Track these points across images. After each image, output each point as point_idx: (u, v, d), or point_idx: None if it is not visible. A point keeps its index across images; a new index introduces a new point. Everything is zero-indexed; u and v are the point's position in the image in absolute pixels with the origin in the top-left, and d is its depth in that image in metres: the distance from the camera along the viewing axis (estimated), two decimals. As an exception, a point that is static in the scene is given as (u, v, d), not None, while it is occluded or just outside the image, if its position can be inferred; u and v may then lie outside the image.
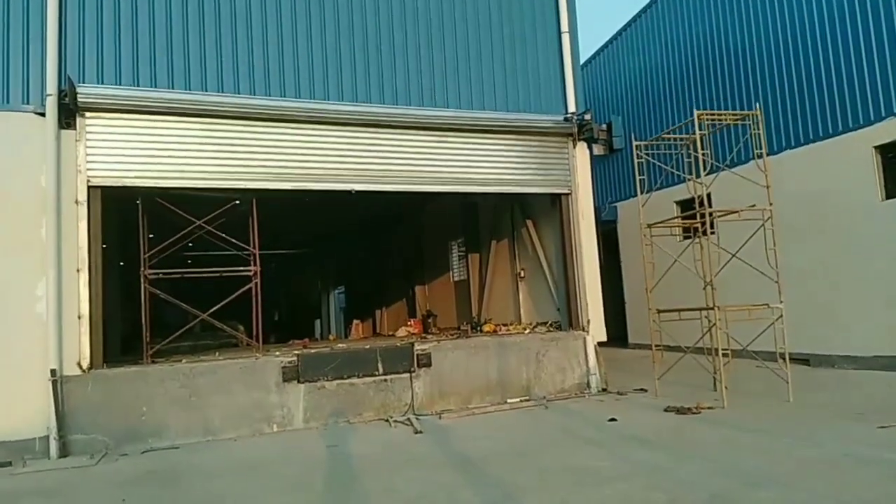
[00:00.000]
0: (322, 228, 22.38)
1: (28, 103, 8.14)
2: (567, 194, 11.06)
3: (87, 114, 8.31)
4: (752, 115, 9.56)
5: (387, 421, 8.93)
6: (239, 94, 9.11)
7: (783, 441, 6.64)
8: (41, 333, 7.79)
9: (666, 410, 8.60)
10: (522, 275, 13.38)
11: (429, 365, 9.62)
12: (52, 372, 7.72)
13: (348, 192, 9.72)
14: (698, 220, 9.59)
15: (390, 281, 20.67)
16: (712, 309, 9.09)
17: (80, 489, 6.38)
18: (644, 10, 17.71)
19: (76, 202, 8.15)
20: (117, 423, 7.99)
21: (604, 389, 10.60)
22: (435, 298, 17.89)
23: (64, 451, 7.65)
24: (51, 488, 6.45)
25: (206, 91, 8.95)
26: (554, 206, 11.33)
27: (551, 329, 11.44)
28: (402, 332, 14.11)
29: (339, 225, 22.00)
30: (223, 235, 9.73)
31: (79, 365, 7.95)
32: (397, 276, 20.02)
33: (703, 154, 9.28)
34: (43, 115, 8.07)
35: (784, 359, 8.85)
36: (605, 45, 19.89)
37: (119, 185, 8.49)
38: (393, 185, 9.94)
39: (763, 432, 7.08)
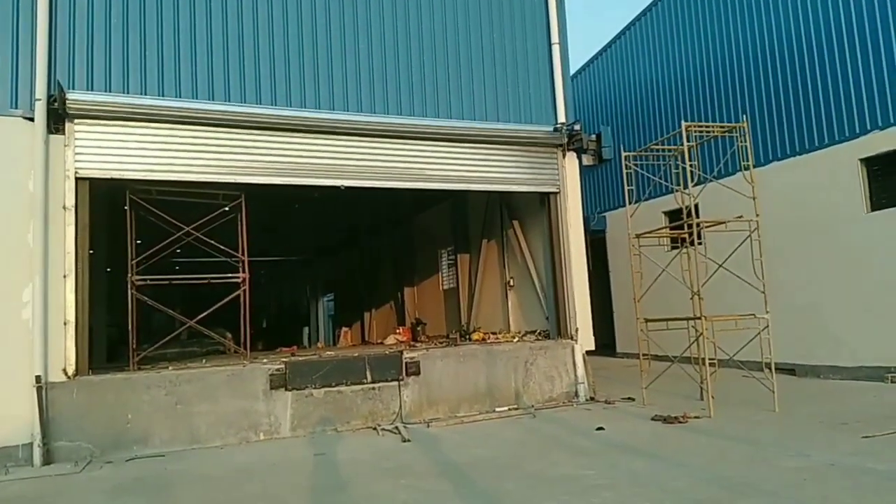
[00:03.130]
0: (311, 236, 22.39)
1: (17, 107, 8.07)
2: (555, 193, 11.14)
3: (77, 120, 8.29)
4: (740, 127, 9.67)
5: (375, 429, 8.91)
6: (229, 101, 9.11)
7: (769, 450, 6.68)
8: (26, 339, 7.72)
9: (653, 419, 8.64)
10: (511, 283, 13.41)
11: (417, 373, 9.60)
12: (37, 378, 7.63)
13: (337, 188, 9.77)
14: (686, 230, 9.66)
15: (379, 289, 20.65)
16: (699, 319, 9.15)
17: (64, 497, 6.31)
18: (633, 23, 17.89)
19: (64, 207, 8.09)
20: (102, 430, 7.91)
21: (591, 398, 10.62)
22: (424, 306, 17.88)
23: (48, 459, 7.57)
24: (33, 496, 6.38)
25: (196, 98, 8.93)
26: (543, 207, 11.37)
27: (540, 338, 11.46)
28: (390, 339, 14.08)
29: (328, 233, 22.02)
30: (212, 242, 9.71)
31: (64, 371, 7.87)
32: (386, 284, 20.00)
33: (691, 165, 9.37)
34: (32, 119, 8.02)
35: (770, 369, 8.91)
36: (595, 57, 20.06)
37: (107, 177, 8.49)
38: (382, 182, 10.02)
39: (749, 442, 7.13)
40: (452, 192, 12.93)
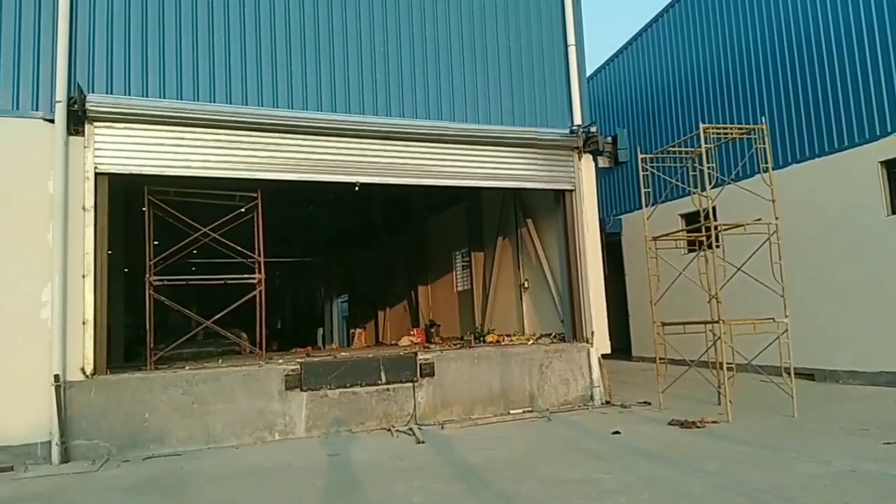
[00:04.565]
0: (326, 238, 22.48)
1: (37, 110, 8.18)
2: (571, 191, 11.09)
3: (96, 122, 8.38)
4: (758, 129, 9.57)
5: (389, 430, 8.91)
6: (247, 103, 9.17)
7: (787, 456, 6.59)
8: (45, 338, 7.81)
9: (670, 424, 8.56)
10: (526, 285, 13.37)
11: (431, 375, 9.60)
12: (56, 377, 7.72)
13: (353, 187, 9.79)
14: (703, 233, 9.58)
15: (393, 290, 20.68)
16: (717, 322, 9.06)
17: (81, 495, 6.37)
18: (651, 24, 17.79)
19: (83, 208, 8.18)
20: (119, 429, 7.99)
21: (607, 402, 10.55)
22: (438, 308, 17.88)
23: (66, 457, 7.65)
24: (51, 493, 6.44)
25: (213, 100, 9.01)
26: (558, 206, 11.31)
27: (555, 340, 11.40)
28: (404, 341, 14.09)
29: (343, 235, 22.10)
30: (228, 243, 9.76)
31: (82, 370, 7.95)
32: (400, 286, 20.02)
33: (709, 167, 9.28)
34: (52, 121, 8.12)
35: (789, 373, 8.81)
36: (612, 58, 19.97)
37: (126, 172, 8.59)
38: (396, 179, 10.06)
39: (767, 447, 7.04)
40: (467, 193, 12.93)
